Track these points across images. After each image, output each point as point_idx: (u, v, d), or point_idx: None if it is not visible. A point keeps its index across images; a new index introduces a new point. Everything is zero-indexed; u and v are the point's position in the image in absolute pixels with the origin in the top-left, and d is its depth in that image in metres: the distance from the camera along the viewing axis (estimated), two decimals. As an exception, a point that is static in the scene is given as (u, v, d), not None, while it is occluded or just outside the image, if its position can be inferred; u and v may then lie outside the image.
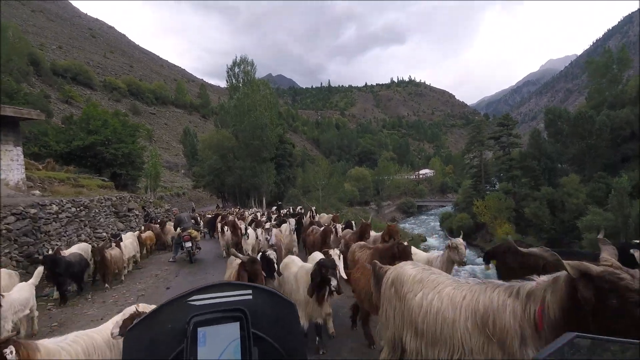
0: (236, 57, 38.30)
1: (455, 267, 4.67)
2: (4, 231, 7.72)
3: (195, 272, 9.27)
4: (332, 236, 7.28)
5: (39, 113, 12.36)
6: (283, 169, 40.60)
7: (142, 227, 13.17)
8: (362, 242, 5.78)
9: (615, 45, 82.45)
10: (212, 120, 78.32)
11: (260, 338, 1.05)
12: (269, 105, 35.81)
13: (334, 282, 3.41)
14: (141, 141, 28.14)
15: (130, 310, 2.89)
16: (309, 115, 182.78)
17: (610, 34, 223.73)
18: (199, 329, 0.98)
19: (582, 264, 1.63)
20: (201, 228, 15.56)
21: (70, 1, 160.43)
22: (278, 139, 37.26)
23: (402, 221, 55.66)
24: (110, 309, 6.30)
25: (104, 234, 11.66)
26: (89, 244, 8.83)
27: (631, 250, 3.93)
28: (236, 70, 37.96)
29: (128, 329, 1.07)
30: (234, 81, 38.06)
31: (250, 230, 9.02)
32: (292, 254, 8.27)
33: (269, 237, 7.21)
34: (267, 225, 7.83)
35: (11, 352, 2.23)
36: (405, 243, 4.60)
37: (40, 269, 5.49)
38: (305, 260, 5.23)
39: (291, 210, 16.61)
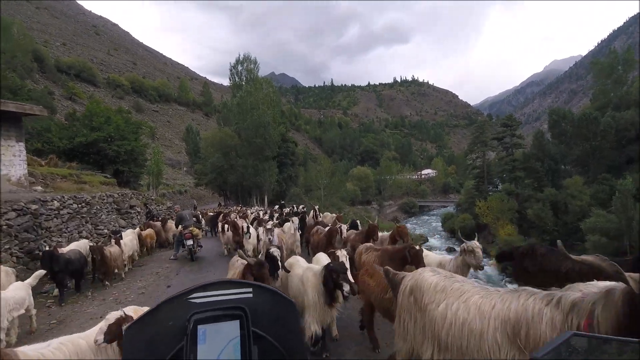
0: (239, 55, 38.28)
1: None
2: (4, 227, 7.68)
3: (196, 270, 9.23)
4: (337, 237, 7.15)
5: (42, 109, 12.31)
6: (285, 167, 40.59)
7: (143, 225, 13.13)
8: (370, 244, 5.62)
9: (620, 46, 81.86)
10: (215, 118, 78.37)
11: (260, 337, 1.04)
12: (271, 104, 35.82)
13: (346, 288, 3.27)
14: (144, 138, 28.10)
15: (115, 314, 2.79)
16: (312, 114, 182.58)
17: (615, 34, 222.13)
18: (199, 327, 0.98)
19: None
20: (203, 226, 15.53)
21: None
22: (280, 138, 37.27)
23: (404, 221, 55.51)
24: (110, 307, 6.23)
25: (106, 230, 11.63)
26: (90, 240, 8.79)
27: None
28: (239, 68, 37.96)
29: (128, 326, 1.06)
30: (237, 79, 38.06)
31: (252, 230, 8.95)
32: (294, 253, 8.19)
33: (271, 238, 7.10)
34: (269, 226, 7.71)
35: None
36: (417, 246, 4.43)
37: (40, 272, 5.43)
38: (308, 261, 5.13)
39: (294, 208, 16.55)
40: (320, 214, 11.55)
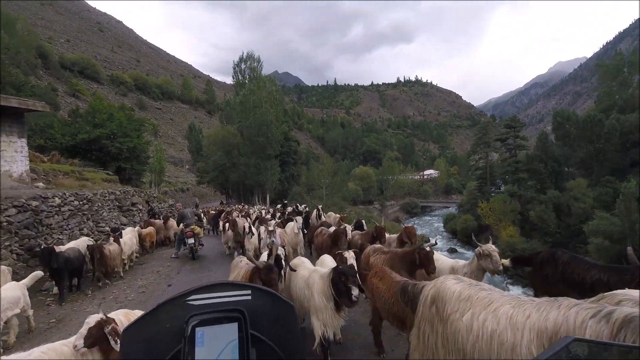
0: (243, 53, 38.03)
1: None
2: (4, 224, 7.62)
3: (198, 269, 9.16)
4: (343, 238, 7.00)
5: (44, 105, 12.28)
6: (287, 166, 40.54)
7: (143, 223, 13.05)
8: (377, 245, 5.44)
9: (626, 48, 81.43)
10: (218, 116, 78.35)
11: (258, 339, 1.03)
12: (274, 102, 35.73)
13: (355, 292, 3.15)
14: (146, 136, 28.11)
15: (95, 317, 2.68)
16: (315, 113, 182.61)
17: (621, 36, 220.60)
18: (197, 329, 0.96)
19: None
20: (205, 224, 15.48)
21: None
22: (283, 137, 37.16)
23: (405, 221, 55.44)
24: (110, 306, 6.18)
25: (107, 228, 11.56)
26: (90, 239, 8.72)
27: None
28: (242, 66, 37.83)
29: (126, 327, 1.04)
30: (240, 77, 37.93)
31: (254, 230, 8.85)
32: (297, 254, 8.08)
33: (274, 240, 7.01)
34: (271, 227, 7.62)
35: None
36: (428, 248, 4.24)
37: (37, 273, 5.36)
38: (312, 262, 5.02)
39: (297, 207, 16.45)
40: (324, 214, 11.42)
